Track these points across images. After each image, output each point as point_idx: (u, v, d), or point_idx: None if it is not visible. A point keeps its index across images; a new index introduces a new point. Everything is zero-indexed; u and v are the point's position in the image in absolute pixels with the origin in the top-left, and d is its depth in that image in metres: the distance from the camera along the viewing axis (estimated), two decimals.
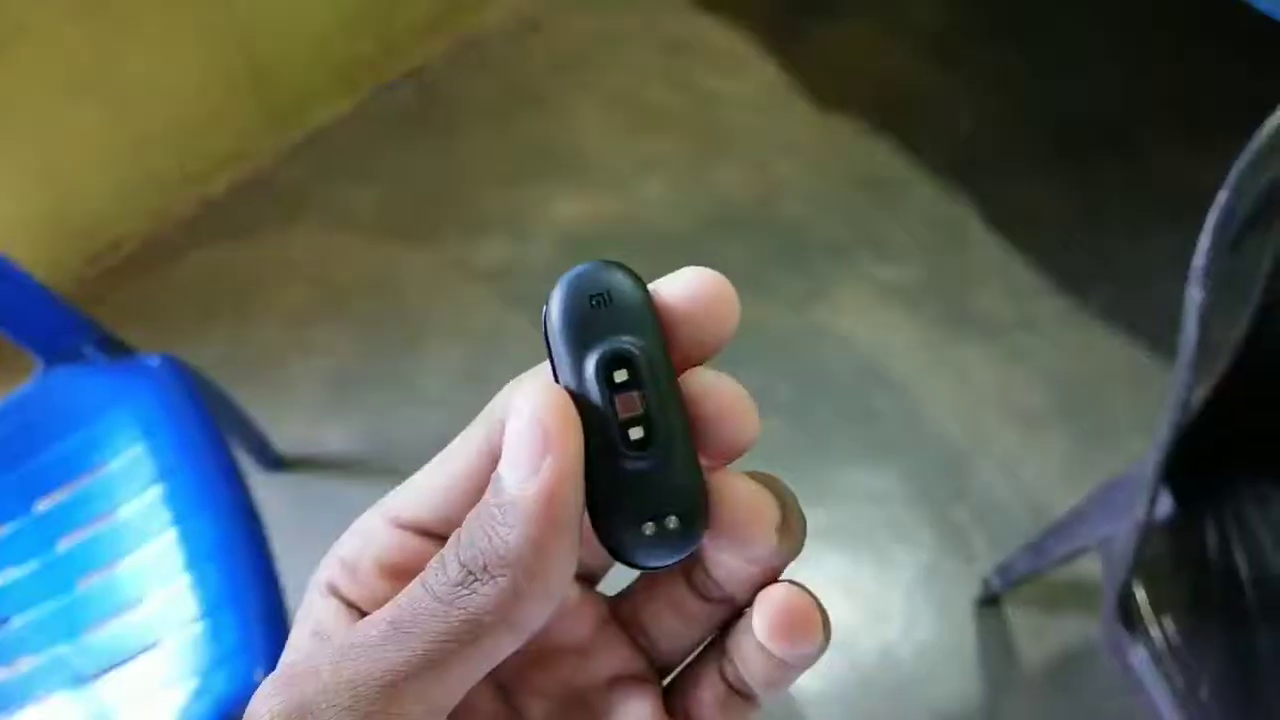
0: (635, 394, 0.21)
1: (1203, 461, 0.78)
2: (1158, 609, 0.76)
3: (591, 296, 0.22)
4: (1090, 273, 1.28)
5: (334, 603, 0.23)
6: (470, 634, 0.20)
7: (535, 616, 0.20)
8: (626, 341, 0.22)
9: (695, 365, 0.23)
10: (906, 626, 1.09)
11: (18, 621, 0.78)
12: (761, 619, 0.22)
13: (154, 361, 0.87)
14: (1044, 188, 1.36)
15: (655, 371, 0.22)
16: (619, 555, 0.22)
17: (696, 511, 0.22)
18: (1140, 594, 0.77)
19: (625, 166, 1.41)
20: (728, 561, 0.23)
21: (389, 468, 1.17)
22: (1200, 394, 0.73)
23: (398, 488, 0.24)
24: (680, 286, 0.22)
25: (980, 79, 1.45)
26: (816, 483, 1.17)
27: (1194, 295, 0.56)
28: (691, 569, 0.24)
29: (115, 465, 0.81)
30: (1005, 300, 1.27)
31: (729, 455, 0.23)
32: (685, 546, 0.22)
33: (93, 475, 0.82)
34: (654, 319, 0.22)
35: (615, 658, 0.25)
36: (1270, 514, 0.78)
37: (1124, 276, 1.27)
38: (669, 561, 0.22)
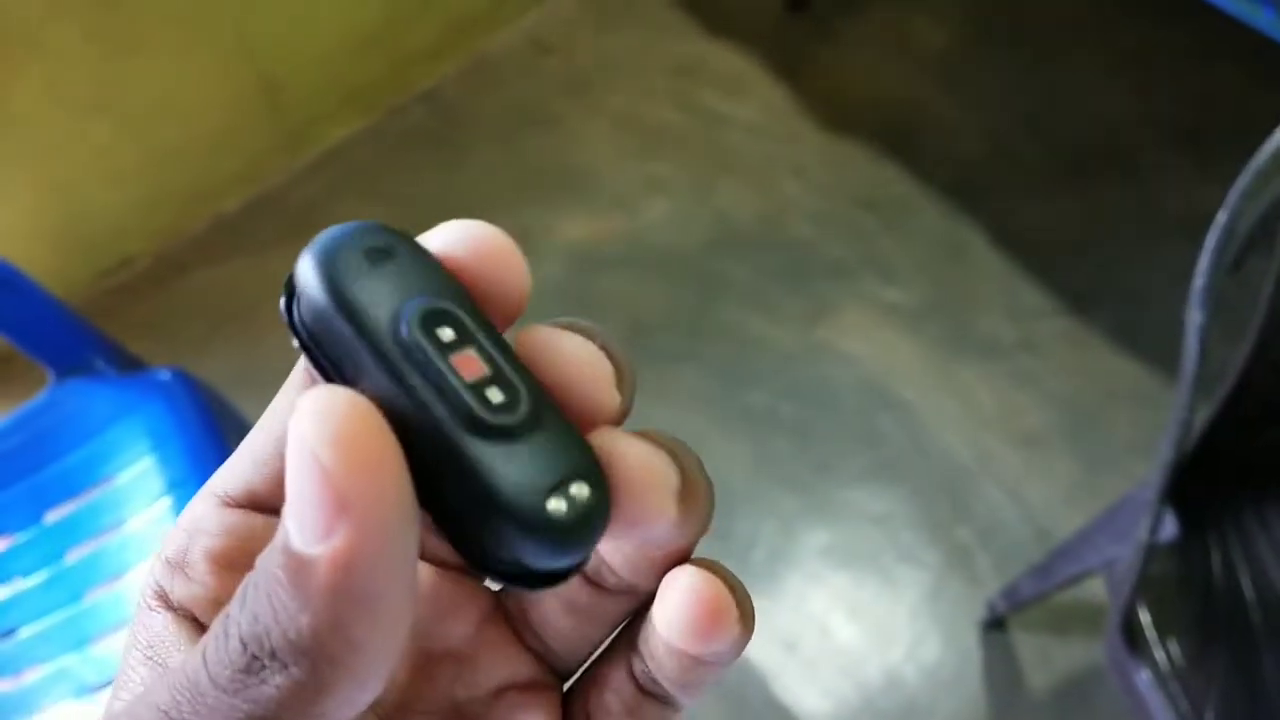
0: (472, 352, 0.16)
1: (1207, 483, 0.78)
2: (1162, 631, 0.76)
3: (366, 253, 0.17)
4: (1094, 294, 1.28)
5: (163, 616, 0.19)
6: None
7: (349, 707, 0.15)
8: (434, 298, 0.16)
9: (503, 327, 0.18)
10: (911, 649, 1.08)
11: (25, 632, 0.78)
12: (664, 612, 0.18)
13: (164, 375, 0.88)
14: (1048, 209, 1.36)
15: (484, 324, 0.17)
16: (512, 564, 0.16)
17: (600, 473, 0.16)
18: (1145, 616, 0.77)
19: (632, 187, 1.42)
20: (622, 545, 0.19)
21: None
22: (1204, 415, 0.74)
23: (222, 466, 0.20)
24: (448, 239, 0.18)
25: (984, 101, 1.46)
26: (820, 503, 1.17)
27: (1194, 316, 0.56)
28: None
29: (124, 478, 0.82)
30: (1009, 321, 1.28)
31: (590, 421, 0.18)
32: (602, 521, 0.16)
33: (102, 487, 0.82)
34: (446, 273, 0.17)
35: (502, 663, 0.21)
36: (1275, 535, 0.78)
37: (1127, 298, 1.28)
38: (589, 546, 0.16)
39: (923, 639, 1.09)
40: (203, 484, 0.20)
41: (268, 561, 0.15)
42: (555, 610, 0.20)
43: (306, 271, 0.17)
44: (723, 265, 1.34)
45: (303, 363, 0.18)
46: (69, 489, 0.83)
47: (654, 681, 0.19)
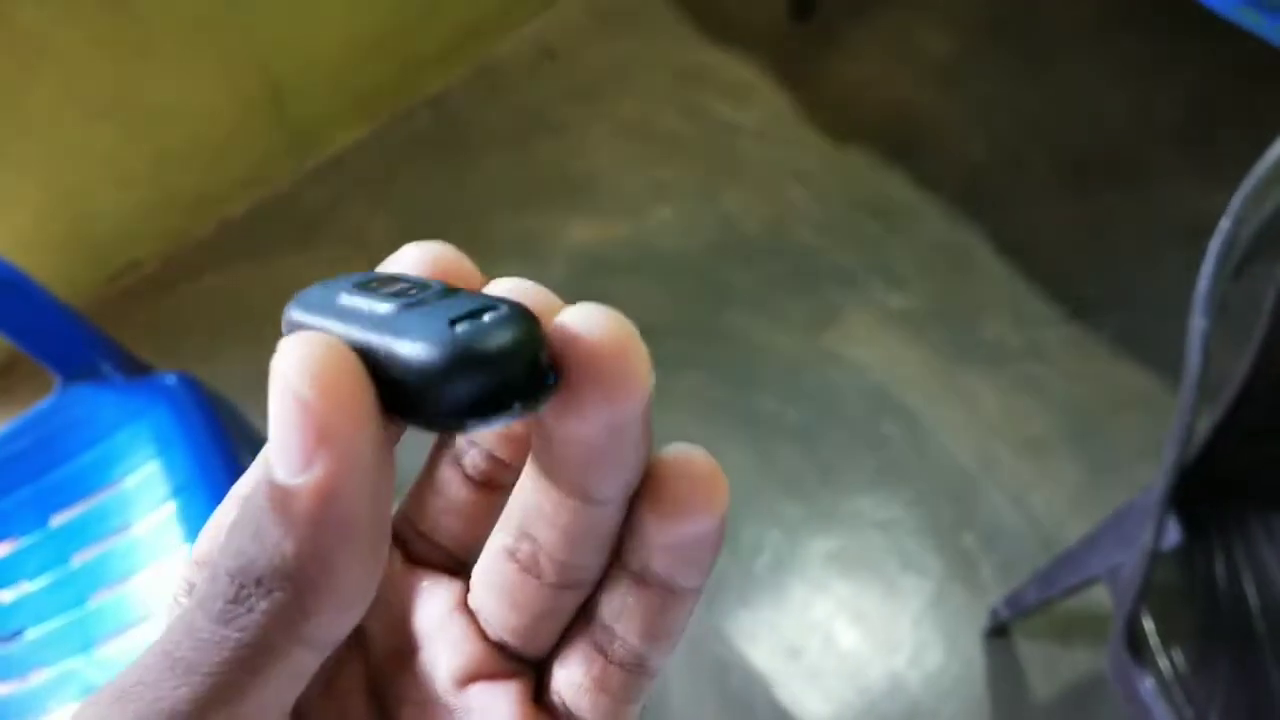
0: (401, 284, 0.18)
1: (1211, 490, 0.78)
2: (1166, 639, 0.76)
3: (332, 288, 0.19)
4: (1098, 300, 1.28)
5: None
6: (256, 660, 0.16)
7: (334, 629, 0.16)
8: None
9: None
10: (915, 655, 1.08)
11: (31, 635, 0.79)
12: (666, 489, 0.17)
13: (170, 379, 0.88)
14: (1052, 216, 1.36)
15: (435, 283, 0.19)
16: (450, 405, 0.16)
17: (524, 314, 0.16)
18: (1149, 623, 0.76)
19: (638, 193, 1.43)
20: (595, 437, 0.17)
21: (400, 488, 1.18)
22: (1208, 422, 0.74)
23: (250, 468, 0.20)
24: (408, 256, 0.20)
25: (989, 108, 1.46)
26: (825, 509, 1.17)
27: (1197, 322, 0.56)
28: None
29: (131, 481, 0.82)
30: (1014, 328, 1.28)
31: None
32: (525, 342, 0.16)
33: (108, 491, 0.83)
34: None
35: (468, 654, 0.21)
36: (1279, 543, 0.78)
37: (1132, 304, 1.28)
38: (513, 360, 0.16)
39: (926, 646, 1.09)
40: (209, 487, 0.21)
41: (252, 498, 0.16)
42: (506, 607, 0.20)
43: (288, 312, 0.18)
44: (728, 271, 1.35)
45: None
46: (75, 492, 0.83)
47: (620, 642, 0.19)
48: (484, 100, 1.54)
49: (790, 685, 1.07)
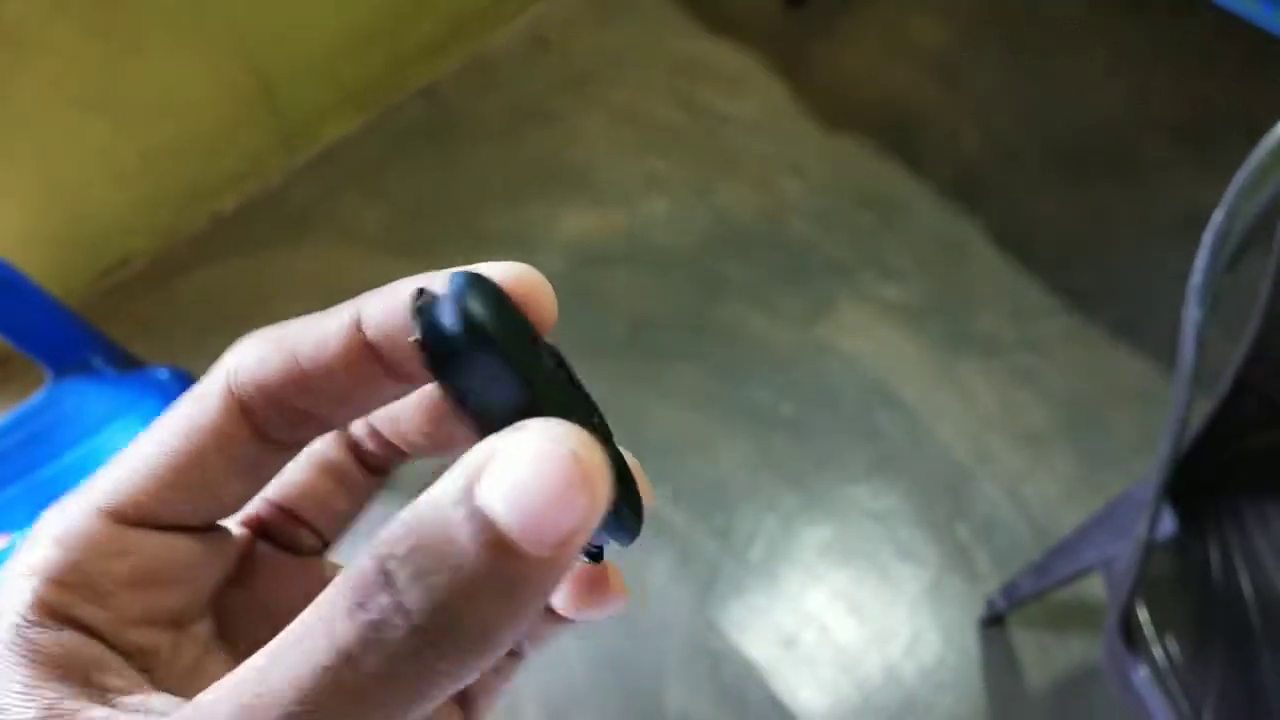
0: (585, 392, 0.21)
1: (1206, 481, 0.78)
2: (1160, 629, 0.76)
3: (485, 294, 0.19)
4: (1093, 292, 1.28)
5: (71, 634, 0.18)
6: (416, 704, 0.15)
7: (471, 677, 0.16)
8: (538, 336, 0.20)
9: None
10: (910, 646, 1.08)
11: None
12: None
13: (162, 374, 0.88)
14: (1047, 207, 1.36)
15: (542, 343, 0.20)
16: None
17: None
18: (1143, 614, 0.77)
19: (631, 184, 1.42)
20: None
21: (392, 484, 1.18)
22: (1203, 413, 0.74)
23: (108, 468, 0.20)
24: (508, 277, 0.20)
25: (984, 99, 1.46)
26: (820, 500, 1.17)
27: (1191, 313, 0.56)
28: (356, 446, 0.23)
29: None
30: (1009, 319, 1.28)
31: None
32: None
33: None
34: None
35: None
36: (1273, 533, 0.78)
37: (1127, 295, 1.28)
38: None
39: (921, 636, 1.09)
40: None
41: (459, 544, 0.15)
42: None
43: (455, 315, 0.17)
44: (722, 263, 1.34)
45: (205, 384, 0.20)
46: (67, 487, 0.82)
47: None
48: (477, 91, 1.53)
49: (785, 675, 1.07)
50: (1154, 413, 1.18)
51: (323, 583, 0.19)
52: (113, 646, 0.19)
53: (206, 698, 0.16)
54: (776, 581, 1.12)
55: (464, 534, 0.15)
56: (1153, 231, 1.31)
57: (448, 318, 0.17)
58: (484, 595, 0.15)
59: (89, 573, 0.19)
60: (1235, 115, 1.39)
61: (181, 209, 1.41)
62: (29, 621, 0.18)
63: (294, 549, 0.23)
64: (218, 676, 0.17)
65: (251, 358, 0.20)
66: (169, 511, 0.20)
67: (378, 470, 0.24)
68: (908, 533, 1.15)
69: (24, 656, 0.18)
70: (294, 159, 1.46)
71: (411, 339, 0.18)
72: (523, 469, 0.15)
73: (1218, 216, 0.53)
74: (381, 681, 0.15)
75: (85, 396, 0.87)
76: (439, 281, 0.19)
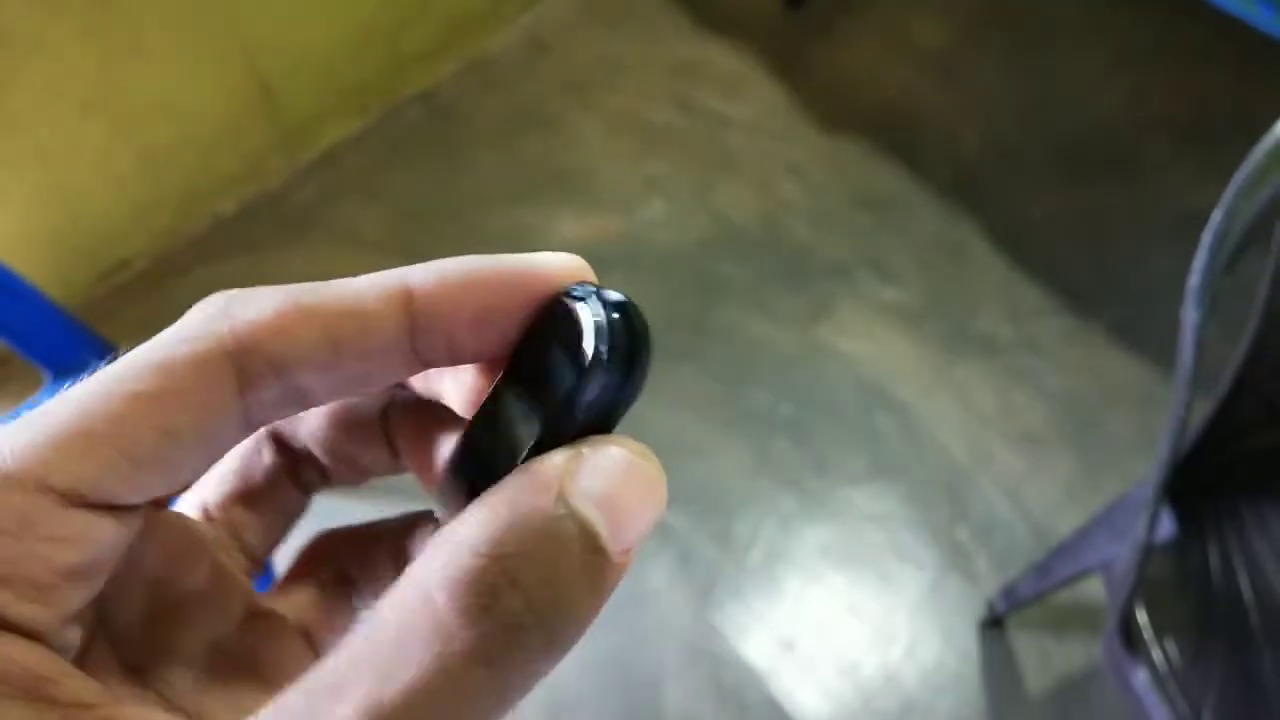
0: None
1: (1205, 482, 0.78)
2: (1160, 630, 0.76)
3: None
4: (1092, 293, 1.28)
5: (11, 641, 0.15)
6: (513, 693, 0.15)
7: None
8: None
9: None
10: (910, 648, 1.08)
11: None
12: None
13: None
14: (1046, 208, 1.36)
15: None
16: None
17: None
18: (1142, 615, 0.77)
19: (630, 187, 1.42)
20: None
21: (395, 486, 1.17)
22: (1202, 415, 0.74)
23: (46, 424, 0.16)
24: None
25: (983, 100, 1.46)
26: (819, 503, 1.17)
27: (1189, 315, 0.56)
28: (295, 464, 0.22)
29: None
30: (1008, 321, 1.28)
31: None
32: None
33: None
34: None
35: (242, 595, 0.20)
36: (1272, 535, 0.78)
37: (1126, 297, 1.28)
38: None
39: (921, 638, 1.09)
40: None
41: (568, 548, 0.16)
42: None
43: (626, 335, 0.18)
44: (721, 265, 1.34)
45: (187, 338, 0.17)
46: None
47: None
48: (476, 95, 1.53)
49: (784, 678, 1.07)
50: (1153, 414, 1.18)
51: (177, 544, 0.19)
52: (54, 649, 0.16)
53: None
54: (776, 584, 1.12)
55: (572, 538, 0.15)
56: (1152, 232, 1.31)
57: (620, 333, 0.17)
58: (583, 594, 0.16)
59: (28, 564, 0.15)
60: (1234, 116, 1.39)
61: (181, 211, 1.41)
62: None
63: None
64: (104, 664, 0.17)
65: (270, 322, 0.17)
66: (126, 490, 0.16)
67: (308, 489, 0.23)
68: (907, 535, 1.14)
69: None
70: (293, 161, 1.46)
71: (587, 335, 0.17)
72: (616, 481, 0.16)
73: (1216, 217, 0.53)
74: (506, 682, 0.15)
75: None
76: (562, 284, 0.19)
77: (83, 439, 0.16)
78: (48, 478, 0.15)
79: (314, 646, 0.21)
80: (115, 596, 0.18)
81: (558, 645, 0.15)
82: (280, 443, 0.22)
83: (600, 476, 0.16)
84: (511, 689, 0.15)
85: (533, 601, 0.15)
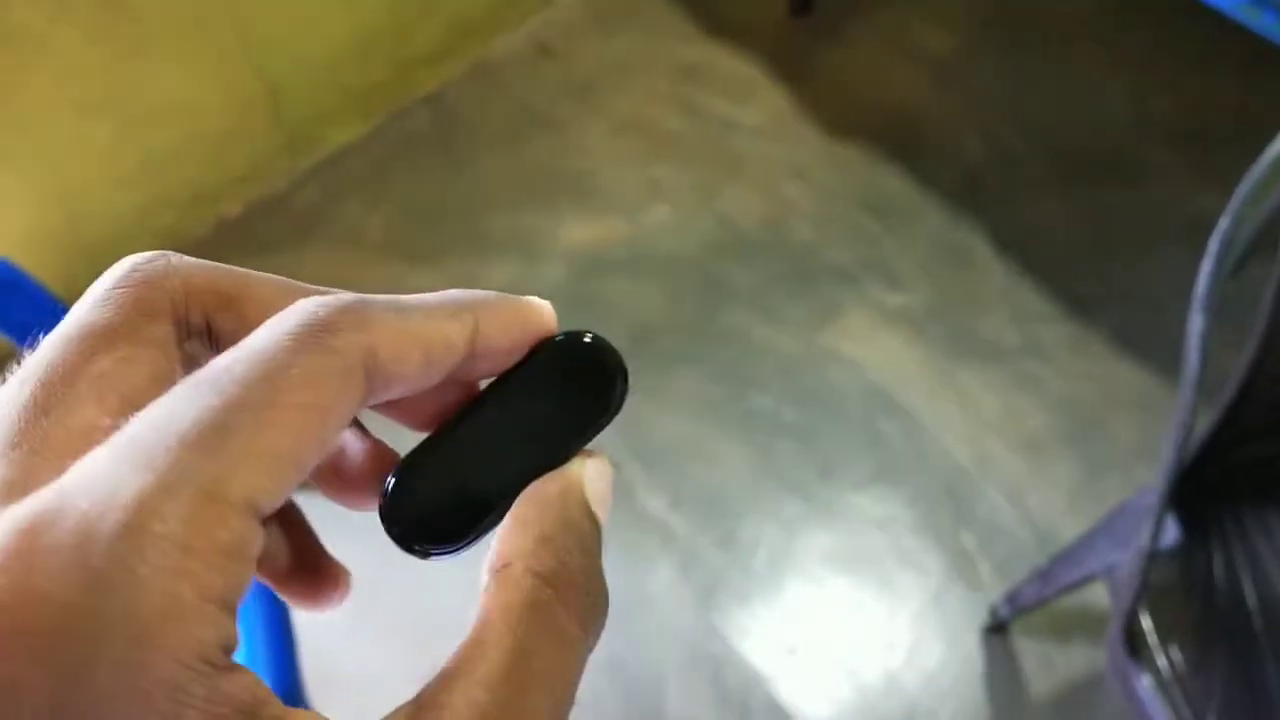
0: None
1: (1209, 489, 0.78)
2: (1164, 636, 0.76)
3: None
4: (1097, 298, 1.28)
5: (242, 676, 0.15)
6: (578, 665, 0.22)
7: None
8: None
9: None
10: (912, 653, 1.08)
11: None
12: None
13: None
14: (1051, 213, 1.36)
15: None
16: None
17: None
18: (1146, 621, 0.76)
19: (635, 191, 1.43)
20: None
21: None
22: (1206, 421, 0.74)
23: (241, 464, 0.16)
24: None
25: (987, 106, 1.46)
26: (823, 507, 1.17)
27: (1195, 321, 0.56)
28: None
29: None
30: (1012, 326, 1.28)
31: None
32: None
33: None
34: None
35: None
36: (1277, 541, 0.78)
37: (1131, 302, 1.28)
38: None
39: (924, 644, 1.09)
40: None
41: (587, 536, 0.21)
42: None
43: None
44: (726, 269, 1.34)
45: (335, 352, 0.18)
46: None
47: None
48: (481, 98, 1.53)
49: (787, 683, 1.07)
50: (1157, 420, 1.18)
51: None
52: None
53: None
54: (779, 588, 1.12)
55: (589, 529, 0.21)
56: (1156, 237, 1.31)
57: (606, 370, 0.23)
58: (596, 560, 0.21)
59: (241, 589, 0.16)
60: (1238, 121, 1.39)
61: (185, 212, 1.41)
62: (215, 667, 0.15)
63: None
64: None
65: (392, 343, 0.18)
66: (283, 497, 0.17)
67: None
68: (910, 540, 1.14)
69: (211, 713, 0.14)
70: (298, 163, 1.47)
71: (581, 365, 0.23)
72: (605, 484, 0.22)
73: (1223, 223, 0.53)
74: (590, 632, 0.21)
75: None
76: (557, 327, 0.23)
77: (270, 457, 0.16)
78: (255, 499, 0.16)
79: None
80: None
81: (602, 605, 0.21)
82: None
83: (598, 481, 0.21)
84: (590, 639, 0.21)
85: (578, 570, 0.20)
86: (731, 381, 1.26)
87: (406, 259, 1.38)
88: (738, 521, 1.16)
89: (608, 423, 0.22)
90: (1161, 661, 0.75)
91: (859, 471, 1.19)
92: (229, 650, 0.15)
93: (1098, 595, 1.03)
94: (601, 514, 0.21)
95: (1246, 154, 0.58)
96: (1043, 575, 1.00)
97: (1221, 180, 0.65)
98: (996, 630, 1.08)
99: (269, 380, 0.16)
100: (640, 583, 1.13)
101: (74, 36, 1.19)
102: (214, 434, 0.16)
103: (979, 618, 1.09)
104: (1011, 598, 1.05)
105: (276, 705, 0.16)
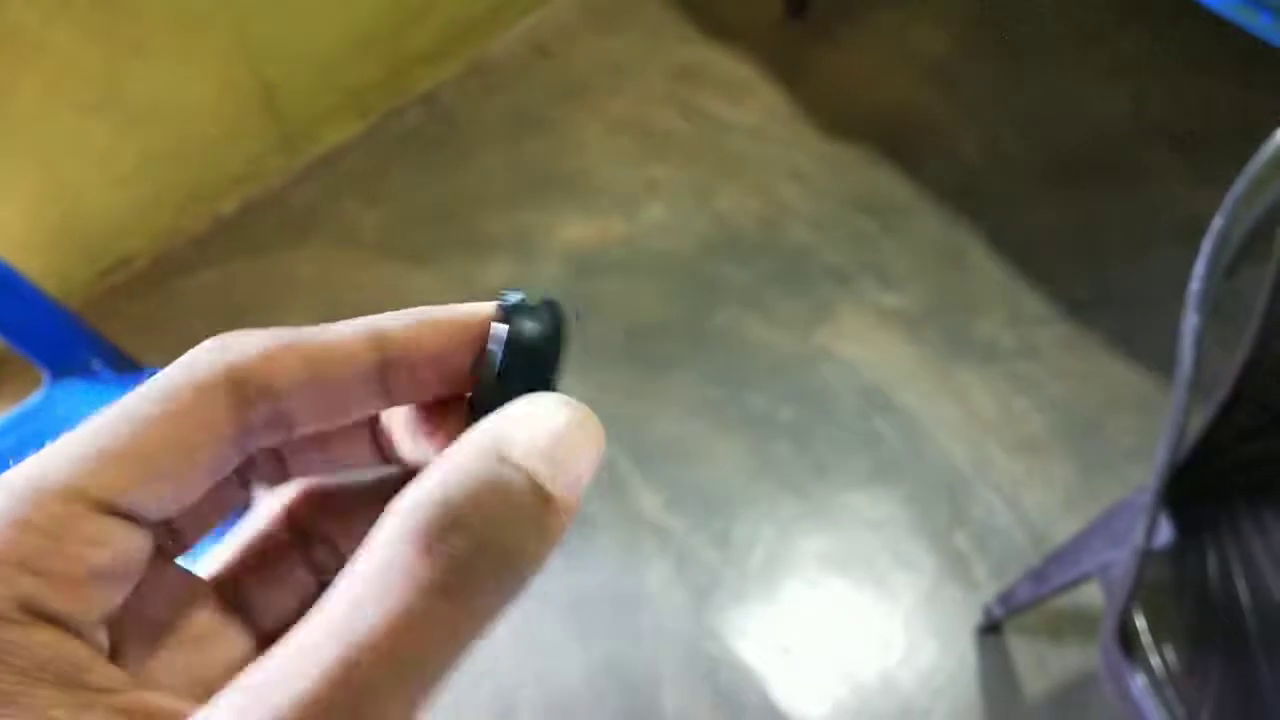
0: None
1: (1203, 488, 0.78)
2: (1158, 636, 0.76)
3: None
4: (1092, 299, 1.29)
5: (49, 631, 0.17)
6: (460, 634, 0.17)
7: (499, 616, 0.18)
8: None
9: None
10: (907, 653, 1.08)
11: None
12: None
13: None
14: (1046, 214, 1.36)
15: None
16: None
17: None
18: (1140, 621, 0.77)
19: (631, 190, 1.43)
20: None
21: None
22: (1200, 420, 0.74)
23: (79, 442, 0.18)
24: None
25: (982, 106, 1.47)
26: (818, 508, 1.17)
27: (1190, 319, 0.56)
28: (308, 545, 0.23)
29: None
30: (1007, 326, 1.28)
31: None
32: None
33: None
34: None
35: (230, 647, 0.22)
36: (1271, 541, 0.78)
37: (1125, 303, 1.28)
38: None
39: (919, 644, 1.09)
40: None
41: (507, 502, 0.18)
42: (273, 588, 0.23)
43: (549, 319, 0.22)
44: (721, 269, 1.35)
45: (199, 370, 0.20)
46: None
47: None
48: (477, 98, 1.53)
49: (782, 682, 1.07)
50: (1151, 420, 1.18)
51: (179, 583, 0.21)
52: (90, 646, 0.17)
53: (276, 664, 0.16)
54: (774, 588, 1.12)
55: (515, 486, 0.18)
56: (1151, 238, 1.32)
57: (543, 320, 0.21)
58: (528, 534, 0.17)
59: (64, 562, 0.17)
60: (1233, 122, 1.39)
61: (182, 211, 1.41)
62: (4, 619, 0.16)
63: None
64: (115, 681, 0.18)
65: (259, 355, 0.20)
66: (148, 500, 0.18)
67: (246, 484, 0.24)
68: (905, 540, 1.14)
69: (2, 661, 0.16)
70: (294, 162, 1.47)
71: (496, 321, 0.21)
72: (553, 432, 0.18)
73: (1217, 223, 0.53)
74: (464, 614, 0.17)
75: (83, 398, 0.87)
76: (488, 308, 0.22)
77: (112, 454, 0.18)
78: (83, 487, 0.18)
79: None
80: (125, 627, 0.20)
81: (508, 582, 0.17)
82: (295, 526, 0.24)
83: (538, 429, 0.18)
84: (470, 621, 0.17)
85: (481, 542, 0.17)
86: (727, 381, 1.26)
87: (402, 258, 1.38)
88: (733, 521, 1.16)
89: (557, 354, 0.21)
90: (1155, 661, 0.75)
91: (854, 471, 1.19)
92: (29, 609, 0.17)
93: (1092, 595, 1.04)
94: (539, 465, 0.18)
95: (1241, 154, 0.58)
96: (1037, 575, 1.00)
97: (1216, 181, 0.65)
98: (991, 630, 1.09)
99: (134, 399, 0.19)
100: (636, 582, 1.13)
101: (71, 35, 1.19)
102: (70, 438, 0.19)
103: (974, 617, 1.09)
104: (1006, 597, 1.05)
105: (109, 672, 0.17)
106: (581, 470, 0.19)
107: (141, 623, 0.20)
